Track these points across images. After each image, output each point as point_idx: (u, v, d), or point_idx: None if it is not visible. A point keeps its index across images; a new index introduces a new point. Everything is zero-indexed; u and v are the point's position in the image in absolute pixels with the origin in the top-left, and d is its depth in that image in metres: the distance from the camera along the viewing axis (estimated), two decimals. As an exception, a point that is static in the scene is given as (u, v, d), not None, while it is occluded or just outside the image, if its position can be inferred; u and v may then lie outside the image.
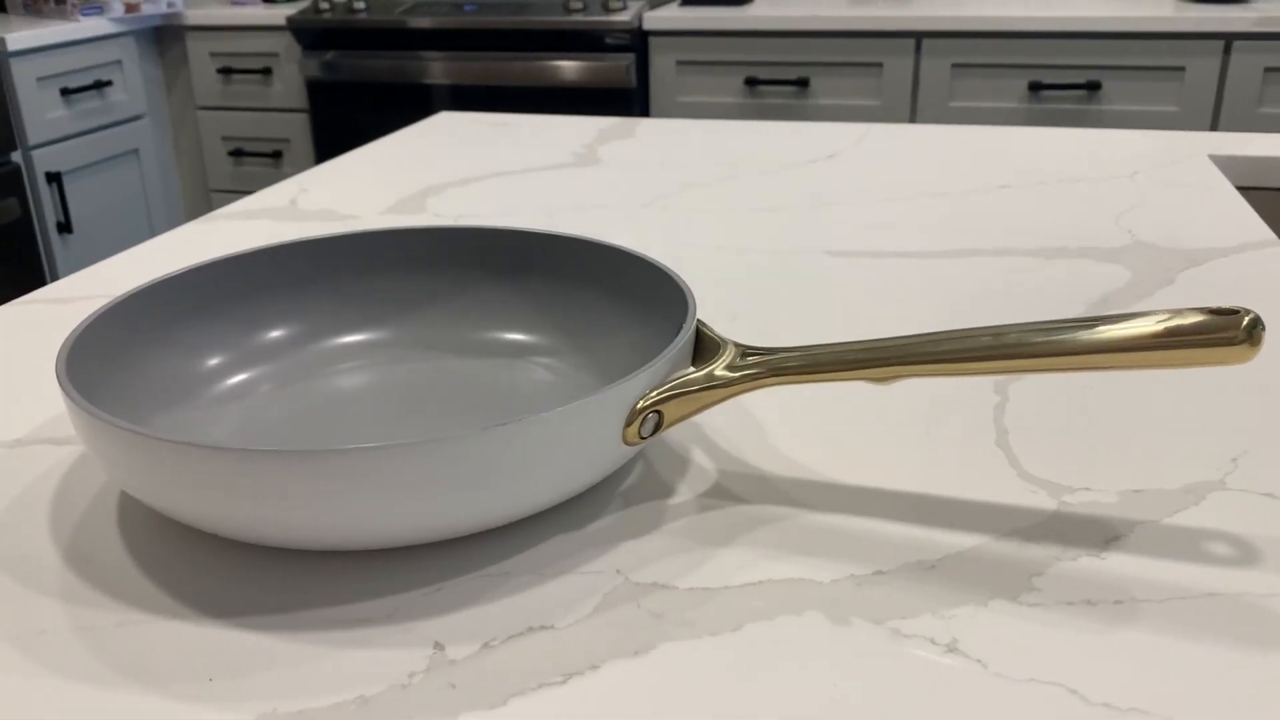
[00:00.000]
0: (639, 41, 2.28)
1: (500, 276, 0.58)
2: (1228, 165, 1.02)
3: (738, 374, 0.44)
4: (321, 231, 0.85)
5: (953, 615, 0.39)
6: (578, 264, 0.57)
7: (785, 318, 0.66)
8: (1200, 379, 0.57)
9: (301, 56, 2.47)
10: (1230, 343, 0.40)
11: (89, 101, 2.41)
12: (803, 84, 2.23)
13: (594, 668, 0.36)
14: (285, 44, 2.51)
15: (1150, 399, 0.54)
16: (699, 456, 0.50)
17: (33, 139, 2.28)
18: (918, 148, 1.06)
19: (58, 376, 0.43)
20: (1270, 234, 0.78)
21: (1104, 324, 0.41)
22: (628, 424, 0.42)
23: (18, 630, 0.39)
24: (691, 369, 0.45)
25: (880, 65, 2.19)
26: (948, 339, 0.43)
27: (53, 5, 2.45)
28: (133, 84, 2.53)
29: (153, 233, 2.62)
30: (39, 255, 2.33)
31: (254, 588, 0.41)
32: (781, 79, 2.24)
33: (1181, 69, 2.04)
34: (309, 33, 2.45)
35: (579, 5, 2.30)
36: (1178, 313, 0.41)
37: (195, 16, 2.55)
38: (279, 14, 2.49)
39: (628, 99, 2.30)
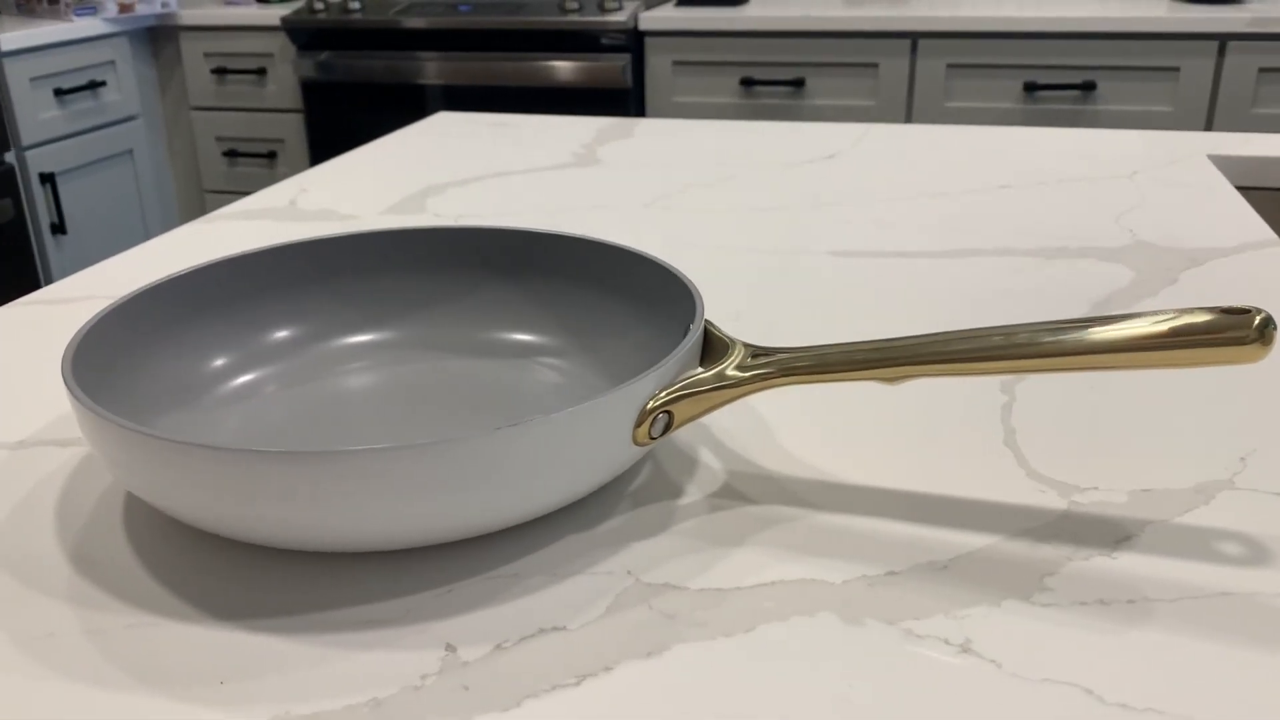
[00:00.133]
0: (635, 42, 2.28)
1: (505, 277, 0.58)
2: (1226, 165, 1.02)
3: (748, 374, 0.43)
4: (322, 232, 0.84)
5: (966, 615, 0.39)
6: (582, 264, 0.57)
7: (788, 317, 0.66)
8: (1204, 378, 0.57)
9: (296, 57, 2.46)
10: (1242, 342, 0.40)
11: (83, 102, 2.40)
12: (798, 84, 2.23)
13: (607, 669, 0.36)
14: (280, 44, 2.51)
15: (1156, 398, 0.54)
16: (707, 457, 0.50)
17: (26, 139, 2.27)
18: (917, 148, 1.06)
19: (64, 377, 0.43)
20: (1271, 234, 0.78)
21: (1115, 323, 0.41)
22: (638, 424, 0.42)
23: (26, 633, 0.39)
24: (700, 369, 0.45)
25: (876, 66, 2.19)
26: (958, 339, 0.43)
27: (46, 5, 2.44)
28: (127, 84, 2.52)
29: (147, 234, 2.61)
30: (33, 256, 2.32)
31: (262, 590, 0.41)
32: (777, 79, 2.24)
33: (1176, 69, 2.05)
34: (303, 33, 2.45)
35: (574, 5, 2.29)
36: (1188, 312, 0.41)
37: (189, 17, 2.54)
38: (273, 14, 2.48)
39: (623, 99, 2.30)
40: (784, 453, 0.50)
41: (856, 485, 0.47)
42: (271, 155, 2.61)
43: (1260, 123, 2.05)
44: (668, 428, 0.43)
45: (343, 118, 2.49)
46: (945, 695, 0.35)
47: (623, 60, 2.27)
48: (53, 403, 0.56)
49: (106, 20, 2.44)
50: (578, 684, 0.36)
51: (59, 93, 2.33)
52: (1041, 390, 0.56)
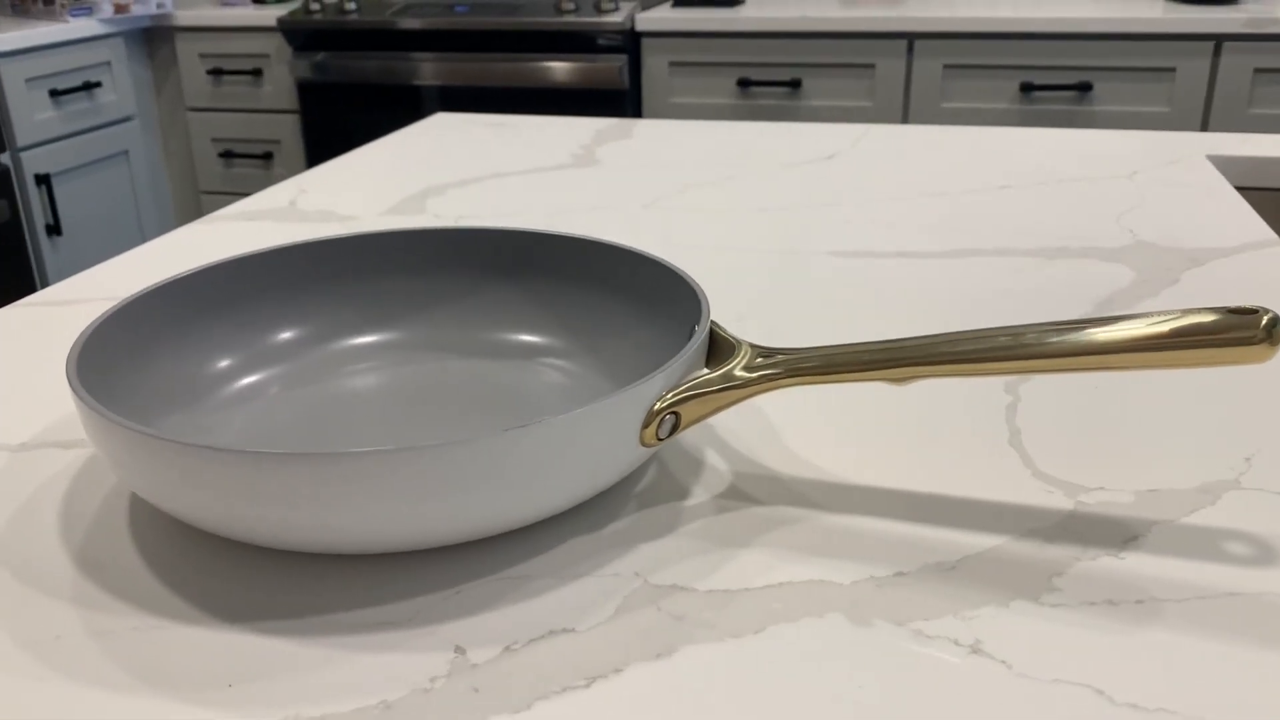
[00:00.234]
0: (631, 42, 2.28)
1: (508, 277, 0.58)
2: (1224, 165, 1.02)
3: (755, 374, 0.43)
4: (322, 233, 0.84)
5: (975, 616, 0.39)
6: (585, 265, 0.57)
7: (790, 318, 0.66)
8: (1207, 378, 0.57)
9: (292, 58, 2.46)
10: (1249, 342, 0.40)
11: (78, 103, 2.40)
12: (795, 85, 2.23)
13: (617, 671, 0.36)
14: (276, 45, 2.50)
15: (1159, 398, 0.55)
16: (713, 458, 0.50)
17: (21, 140, 2.27)
18: (915, 148, 1.06)
19: (68, 379, 0.42)
20: (1272, 234, 0.79)
21: (1121, 323, 0.41)
22: (645, 425, 0.42)
23: (32, 635, 0.38)
24: (706, 370, 0.45)
25: (872, 66, 2.19)
26: (966, 339, 0.42)
27: (41, 6, 2.44)
28: (122, 85, 2.51)
29: (142, 235, 2.61)
30: (28, 257, 2.31)
31: (269, 592, 0.41)
32: (774, 80, 2.24)
33: (1172, 70, 2.05)
34: (300, 34, 2.44)
35: (571, 6, 2.29)
36: (1196, 312, 0.41)
37: (185, 18, 2.54)
38: (269, 15, 2.48)
39: (620, 100, 2.30)
40: (790, 453, 0.50)
41: (862, 486, 0.47)
42: (267, 156, 2.61)
43: (1256, 123, 2.05)
44: (675, 429, 0.43)
45: (339, 119, 2.49)
46: (956, 696, 0.35)
47: (619, 61, 2.26)
48: (54, 405, 0.56)
49: (102, 21, 2.43)
50: (588, 686, 0.36)
51: (54, 94, 2.33)
52: (1045, 390, 0.56)
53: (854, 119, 2.23)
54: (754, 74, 2.25)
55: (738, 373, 0.44)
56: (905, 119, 2.21)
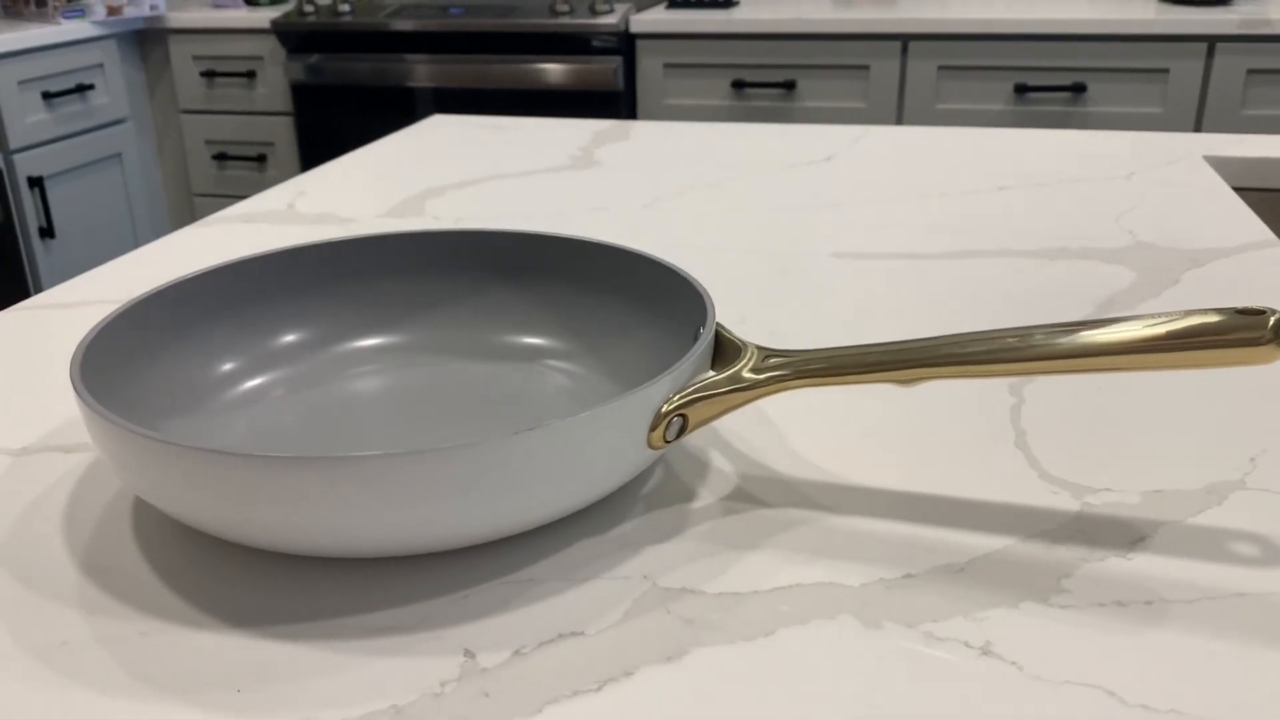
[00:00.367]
0: (626, 44, 2.28)
1: (511, 279, 0.58)
2: (1221, 166, 1.02)
3: (763, 376, 0.43)
4: (322, 235, 0.84)
5: (985, 617, 0.38)
6: (589, 266, 0.57)
7: (792, 319, 0.66)
8: (1210, 378, 0.57)
9: (286, 60, 2.46)
10: (1256, 343, 0.40)
11: (71, 105, 2.39)
12: (789, 86, 2.23)
13: (628, 674, 0.36)
14: (269, 47, 2.50)
15: (1163, 398, 0.55)
16: (718, 460, 0.50)
17: (14, 143, 2.26)
18: (913, 149, 1.07)
19: (73, 383, 0.42)
20: (1271, 234, 0.79)
21: (1128, 324, 0.41)
22: (653, 427, 0.42)
23: (39, 642, 0.38)
24: (712, 372, 0.45)
25: (867, 67, 2.19)
26: (973, 340, 0.42)
27: (33, 8, 2.43)
28: (115, 87, 2.51)
29: (136, 237, 2.60)
30: (21, 260, 2.30)
31: (276, 596, 0.40)
32: (768, 81, 2.24)
33: (1165, 71, 2.06)
34: (293, 36, 2.44)
35: (565, 8, 2.29)
36: (1202, 312, 0.41)
37: (178, 19, 2.53)
38: (263, 17, 2.48)
39: (615, 102, 2.30)
40: (794, 455, 0.50)
41: (868, 487, 0.47)
42: (261, 158, 2.60)
43: (1249, 124, 2.06)
44: (682, 431, 0.43)
45: (333, 121, 2.48)
46: (968, 698, 0.35)
47: (614, 63, 2.26)
48: (55, 408, 0.56)
49: (94, 23, 2.42)
50: (599, 689, 0.35)
51: (47, 96, 2.32)
52: (1049, 391, 0.56)
53: (848, 120, 2.23)
54: (748, 75, 2.25)
55: (745, 374, 0.44)
56: (899, 120, 2.21)
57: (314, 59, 2.43)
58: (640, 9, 2.33)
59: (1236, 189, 1.02)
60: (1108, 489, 0.47)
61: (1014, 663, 0.36)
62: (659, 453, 0.43)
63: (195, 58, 2.56)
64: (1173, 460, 0.49)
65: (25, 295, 2.31)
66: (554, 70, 2.30)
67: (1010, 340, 0.42)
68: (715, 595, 0.40)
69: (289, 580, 0.41)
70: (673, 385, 0.42)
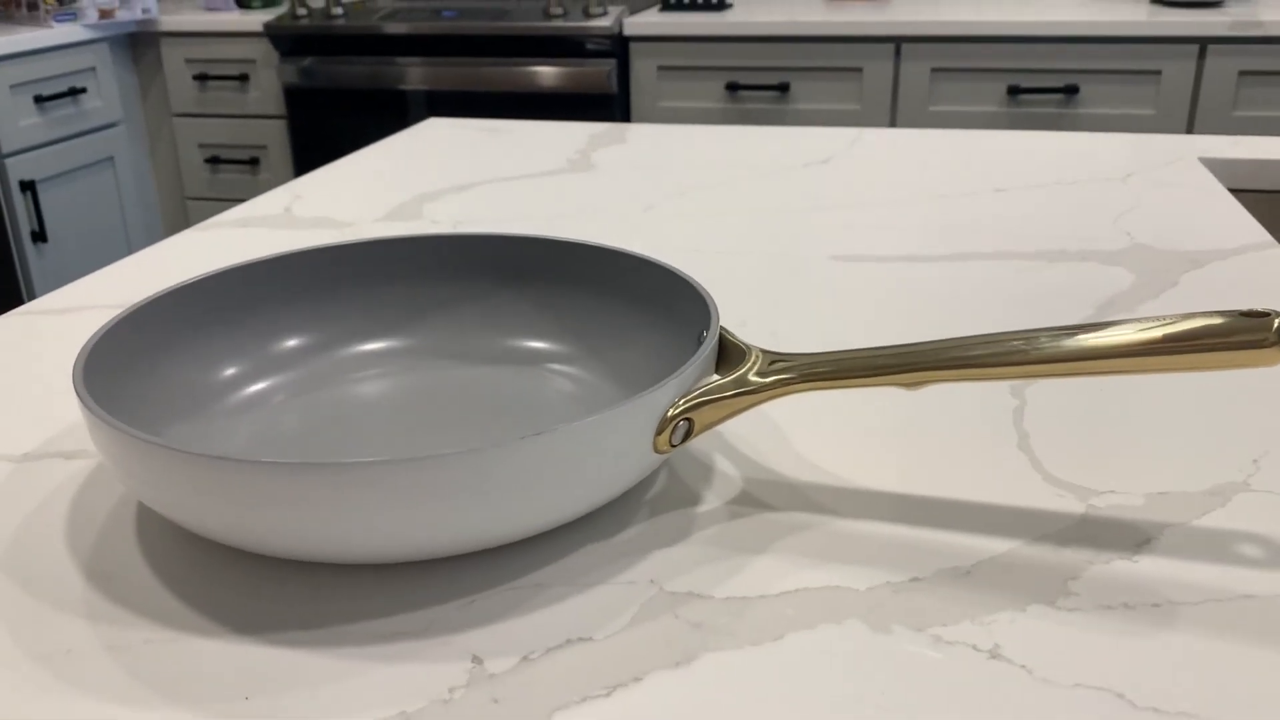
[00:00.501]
0: (619, 47, 2.28)
1: (513, 283, 0.58)
2: (1215, 168, 1.03)
3: (769, 379, 0.43)
4: (319, 240, 0.84)
5: (993, 621, 0.38)
6: (590, 270, 0.57)
7: (792, 322, 0.66)
8: (1211, 379, 0.57)
9: (279, 63, 2.45)
10: (1261, 345, 0.40)
11: (63, 109, 2.38)
12: (783, 89, 2.23)
13: (637, 679, 0.36)
14: (263, 50, 2.50)
15: (1164, 400, 0.55)
16: (723, 464, 0.49)
17: (6, 147, 2.25)
18: (910, 152, 1.07)
19: (76, 389, 0.42)
20: (1268, 236, 0.79)
21: (1132, 326, 0.41)
22: (658, 432, 0.42)
23: (44, 650, 0.38)
24: (716, 376, 0.45)
25: (860, 70, 2.19)
26: (978, 343, 0.42)
27: (25, 12, 2.42)
28: (107, 91, 2.50)
29: (128, 241, 2.59)
30: (13, 264, 2.29)
31: (282, 602, 0.40)
32: (762, 84, 2.24)
33: (1157, 73, 2.07)
34: (286, 39, 2.43)
35: (559, 10, 2.29)
36: (1206, 315, 0.41)
37: (170, 23, 2.53)
38: (255, 20, 2.47)
39: (608, 104, 2.30)
40: (799, 458, 0.50)
41: (873, 490, 0.47)
42: (254, 162, 2.60)
43: (1241, 125, 2.06)
44: (688, 435, 0.43)
45: (326, 124, 2.48)
46: (978, 701, 0.35)
47: (608, 65, 2.26)
48: (54, 414, 0.56)
49: (86, 26, 2.42)
50: (608, 695, 0.35)
51: (39, 99, 2.31)
52: (1050, 394, 0.56)
53: (842, 122, 2.24)
54: (742, 78, 2.26)
55: (751, 378, 0.44)
56: (893, 122, 2.22)
57: (307, 62, 2.43)
58: (633, 12, 2.33)
59: (1231, 191, 1.03)
60: (1112, 491, 0.47)
61: (1023, 666, 0.36)
62: (664, 457, 0.43)
63: (188, 61, 2.56)
64: (1176, 462, 0.49)
65: (17, 299, 2.30)
66: (547, 73, 2.30)
67: (1016, 343, 0.42)
68: (723, 600, 0.40)
69: (294, 586, 0.41)
70: (679, 389, 0.42)
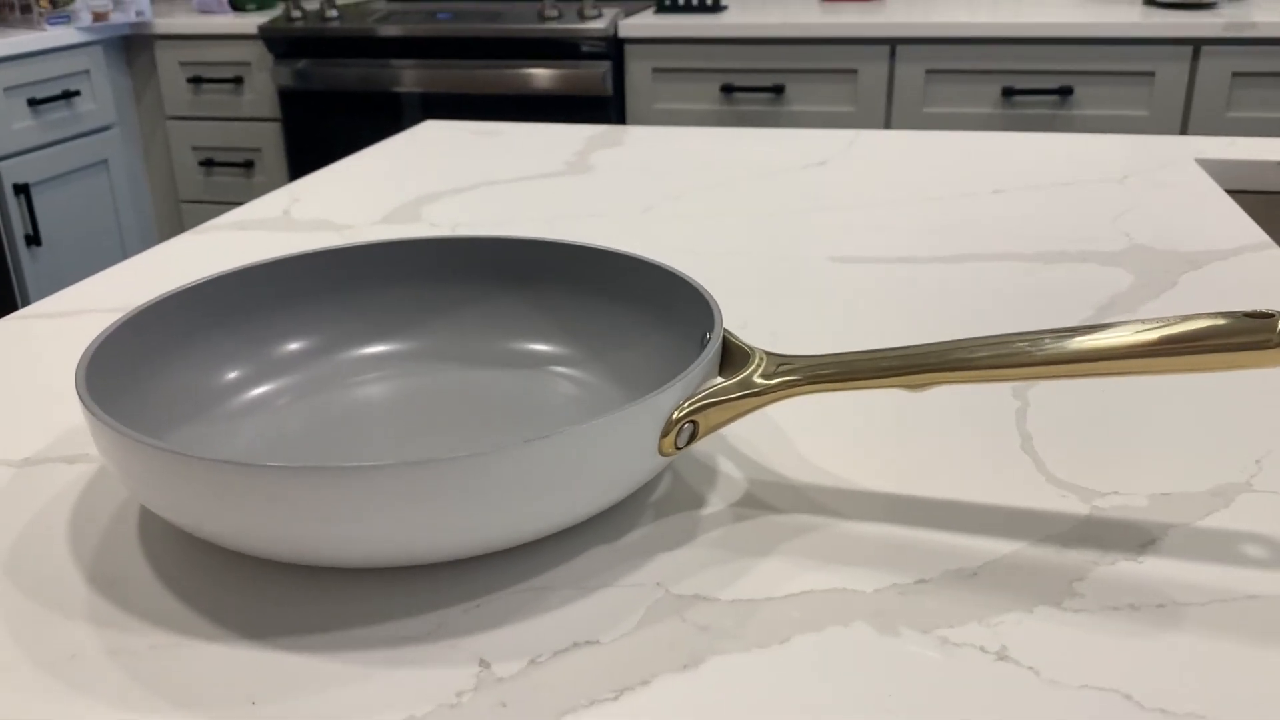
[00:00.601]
0: (614, 49, 2.28)
1: (515, 286, 0.58)
2: (1211, 169, 1.03)
3: (775, 381, 0.43)
4: (318, 243, 0.84)
5: (999, 622, 0.39)
6: (592, 272, 0.57)
7: (792, 324, 0.66)
8: (1212, 380, 0.57)
9: (273, 65, 2.45)
10: (1265, 346, 0.40)
11: (57, 112, 2.38)
12: (778, 91, 2.23)
13: (645, 683, 0.36)
14: (257, 53, 2.49)
15: (1165, 401, 0.55)
16: (727, 466, 0.49)
17: (0, 150, 2.24)
18: (907, 153, 1.07)
19: (79, 393, 0.42)
20: (1265, 236, 0.79)
21: (1136, 328, 0.41)
22: (664, 434, 0.42)
23: (49, 655, 0.38)
24: (720, 378, 0.45)
25: (855, 72, 2.20)
26: (983, 345, 0.43)
27: (19, 15, 2.41)
28: (101, 94, 2.49)
29: (123, 244, 2.58)
30: (7, 268, 2.29)
31: (288, 607, 0.40)
32: (757, 86, 2.24)
33: (1151, 74, 2.07)
34: (281, 41, 2.43)
35: (554, 13, 2.29)
36: (1210, 316, 0.41)
37: (164, 25, 2.52)
38: (250, 23, 2.47)
39: (604, 107, 2.30)
40: (803, 460, 0.50)
41: (877, 492, 0.47)
42: (248, 165, 2.59)
43: (1234, 126, 2.07)
44: (693, 437, 0.43)
45: (321, 126, 2.47)
46: (986, 703, 0.35)
47: (602, 68, 2.26)
48: (54, 419, 0.55)
49: (80, 29, 2.41)
50: (616, 698, 0.35)
51: (33, 103, 2.30)
52: (1052, 395, 0.56)
53: (837, 124, 2.24)
54: (737, 80, 2.26)
55: (757, 379, 0.43)
56: (888, 124, 2.22)
57: (301, 64, 2.42)
58: (628, 14, 2.33)
59: (1227, 192, 1.03)
60: (1115, 492, 0.47)
61: (1031, 667, 0.36)
62: (669, 459, 0.43)
63: (182, 64, 2.55)
64: (1178, 463, 0.49)
65: (12, 303, 2.30)
66: (542, 75, 2.30)
67: (1021, 344, 0.42)
68: (729, 602, 0.40)
69: (299, 590, 0.41)
70: (684, 391, 0.42)
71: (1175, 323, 0.41)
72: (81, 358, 0.45)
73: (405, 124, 2.40)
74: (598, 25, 2.24)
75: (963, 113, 2.18)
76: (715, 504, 0.46)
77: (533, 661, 0.37)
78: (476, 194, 0.96)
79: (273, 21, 2.43)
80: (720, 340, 0.46)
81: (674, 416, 0.42)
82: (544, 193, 0.96)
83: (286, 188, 1.00)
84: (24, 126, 2.30)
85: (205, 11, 2.62)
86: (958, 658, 0.37)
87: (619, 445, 0.41)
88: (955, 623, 0.38)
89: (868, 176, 0.99)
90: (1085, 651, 0.37)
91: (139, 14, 2.50)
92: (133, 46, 2.61)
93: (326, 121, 2.46)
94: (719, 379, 0.45)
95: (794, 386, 0.43)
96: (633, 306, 0.55)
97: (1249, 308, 0.62)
